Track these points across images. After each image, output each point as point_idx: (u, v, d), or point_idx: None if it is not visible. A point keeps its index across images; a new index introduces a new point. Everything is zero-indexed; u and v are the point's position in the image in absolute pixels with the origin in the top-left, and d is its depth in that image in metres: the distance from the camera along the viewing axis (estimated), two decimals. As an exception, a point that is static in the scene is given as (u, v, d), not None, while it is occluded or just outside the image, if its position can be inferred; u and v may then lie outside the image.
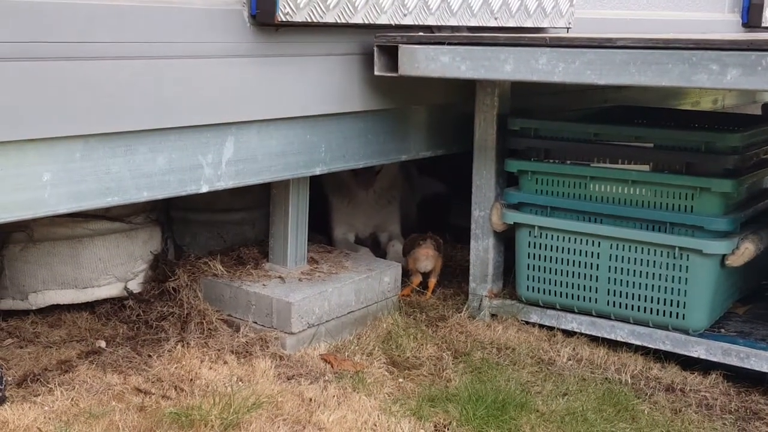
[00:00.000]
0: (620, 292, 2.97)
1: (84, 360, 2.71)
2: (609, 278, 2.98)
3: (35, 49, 2.13)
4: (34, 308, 3.04)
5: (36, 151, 2.20)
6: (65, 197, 2.28)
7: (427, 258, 3.47)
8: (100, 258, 3.06)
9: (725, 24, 5.15)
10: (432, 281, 3.50)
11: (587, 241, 3.01)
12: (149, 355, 2.74)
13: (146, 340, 2.87)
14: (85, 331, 2.98)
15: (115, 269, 3.10)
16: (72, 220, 2.99)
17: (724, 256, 2.82)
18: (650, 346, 2.91)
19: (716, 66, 2.36)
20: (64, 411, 2.38)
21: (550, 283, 3.10)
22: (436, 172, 4.49)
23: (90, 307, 3.12)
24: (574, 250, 3.04)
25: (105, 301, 3.13)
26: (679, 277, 2.85)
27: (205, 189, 2.61)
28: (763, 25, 5.20)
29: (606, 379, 2.78)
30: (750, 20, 5.22)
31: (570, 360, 2.90)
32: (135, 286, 3.15)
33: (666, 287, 2.87)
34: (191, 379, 2.60)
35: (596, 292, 3.01)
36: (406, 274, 3.48)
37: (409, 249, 3.54)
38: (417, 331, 3.06)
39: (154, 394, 2.51)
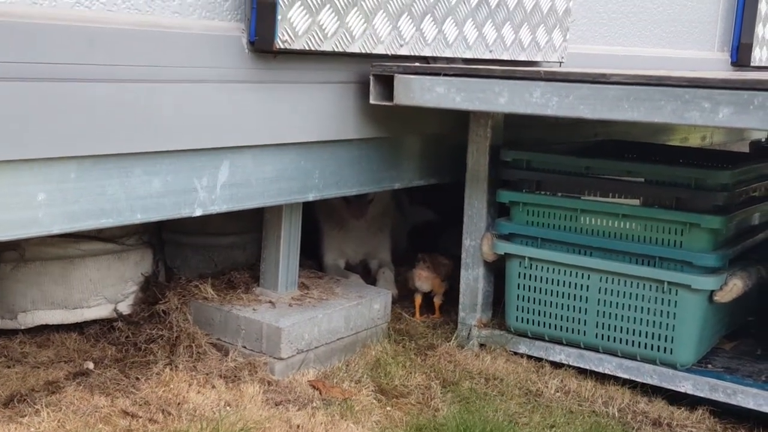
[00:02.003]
0: (608, 325, 2.98)
1: (71, 381, 2.70)
2: (598, 311, 2.99)
3: (32, 69, 2.13)
4: (22, 328, 3.02)
5: (31, 171, 2.20)
6: (59, 217, 2.27)
7: (420, 279, 3.54)
8: (91, 279, 3.06)
9: (715, 62, 5.22)
10: (436, 302, 3.58)
11: (577, 273, 3.02)
12: (137, 378, 2.73)
13: (134, 363, 2.85)
14: (74, 352, 2.96)
15: (105, 290, 3.09)
16: (63, 240, 2.99)
17: (712, 292, 2.83)
18: (638, 380, 2.92)
19: (708, 104, 2.39)
20: (50, 432, 2.37)
21: (539, 315, 3.12)
22: (427, 200, 4.50)
23: (79, 327, 3.11)
24: (564, 282, 3.05)
25: (94, 322, 3.11)
26: (668, 312, 2.86)
27: (199, 212, 2.61)
28: (752, 64, 5.27)
29: (593, 411, 2.78)
30: (739, 59, 5.29)
31: (558, 392, 2.91)
32: (125, 307, 3.14)
33: (654, 321, 2.89)
34: (179, 403, 2.59)
35: (585, 324, 3.03)
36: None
37: (413, 269, 3.61)
38: (406, 360, 3.06)
39: (141, 417, 2.49)
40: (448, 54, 3.22)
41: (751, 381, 2.80)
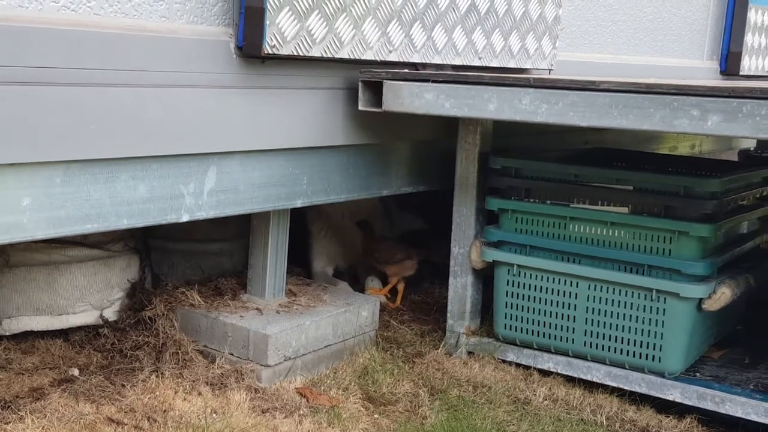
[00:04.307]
0: (597, 333, 2.97)
1: (56, 388, 2.68)
2: (586, 319, 2.99)
3: (18, 73, 2.12)
4: (7, 334, 3.00)
5: (16, 176, 2.19)
6: (44, 223, 2.26)
7: (413, 269, 3.77)
8: (77, 285, 3.04)
9: (704, 71, 5.24)
10: (402, 286, 3.80)
11: (565, 281, 3.02)
12: (123, 385, 2.71)
13: (120, 370, 2.83)
14: (59, 358, 2.94)
15: (91, 297, 3.07)
16: (49, 246, 2.97)
17: (700, 300, 2.83)
18: (626, 388, 2.91)
19: (697, 112, 2.39)
20: (34, 439, 2.35)
21: (527, 322, 3.11)
22: (416, 207, 4.50)
23: (64, 334, 3.09)
24: (552, 289, 3.04)
25: (80, 328, 3.10)
26: (656, 320, 2.86)
27: (185, 218, 2.60)
28: (741, 73, 5.29)
29: (581, 419, 2.77)
30: (728, 68, 5.31)
31: (546, 400, 2.90)
32: (111, 314, 3.12)
33: (642, 329, 2.88)
34: (165, 410, 2.57)
35: (573, 332, 3.02)
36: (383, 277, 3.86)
37: (400, 258, 3.74)
38: (394, 367, 3.05)
39: (126, 424, 2.47)
40: (437, 60, 3.22)
41: (739, 389, 2.79)
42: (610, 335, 2.95)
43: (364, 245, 3.78)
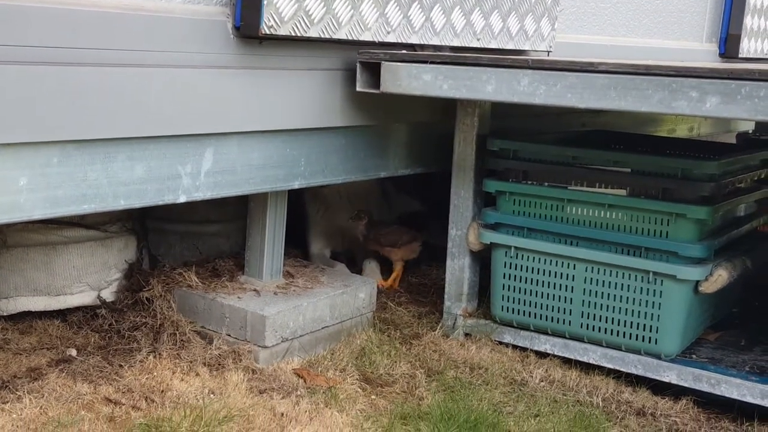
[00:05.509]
0: (594, 315, 2.98)
1: (54, 368, 2.68)
2: (583, 301, 2.99)
3: (14, 52, 2.11)
4: (5, 314, 3.00)
5: (13, 156, 2.18)
6: (41, 203, 2.26)
7: (416, 252, 3.79)
8: (74, 265, 3.04)
9: (703, 54, 5.22)
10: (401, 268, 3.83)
11: (563, 263, 3.02)
12: (120, 365, 2.72)
13: (118, 350, 2.84)
14: (56, 339, 2.95)
15: (88, 277, 3.07)
16: (46, 226, 2.97)
17: (697, 283, 2.84)
18: (622, 369, 2.92)
19: (696, 93, 2.39)
20: (32, 419, 2.35)
21: (524, 304, 3.11)
22: (414, 190, 4.50)
23: (62, 314, 3.10)
24: (550, 271, 3.05)
25: (77, 309, 3.10)
26: (653, 302, 2.87)
27: (183, 199, 2.59)
28: (740, 55, 5.27)
29: (578, 401, 2.78)
30: (727, 51, 5.29)
31: (542, 381, 2.91)
32: (108, 295, 3.13)
33: (639, 311, 2.89)
34: (162, 391, 2.58)
35: (570, 314, 3.02)
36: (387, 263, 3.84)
37: (407, 241, 3.75)
38: (391, 348, 3.05)
39: (124, 404, 2.48)
40: (435, 42, 3.21)
41: (734, 371, 2.80)
42: (606, 317, 2.96)
43: (366, 232, 3.75)
